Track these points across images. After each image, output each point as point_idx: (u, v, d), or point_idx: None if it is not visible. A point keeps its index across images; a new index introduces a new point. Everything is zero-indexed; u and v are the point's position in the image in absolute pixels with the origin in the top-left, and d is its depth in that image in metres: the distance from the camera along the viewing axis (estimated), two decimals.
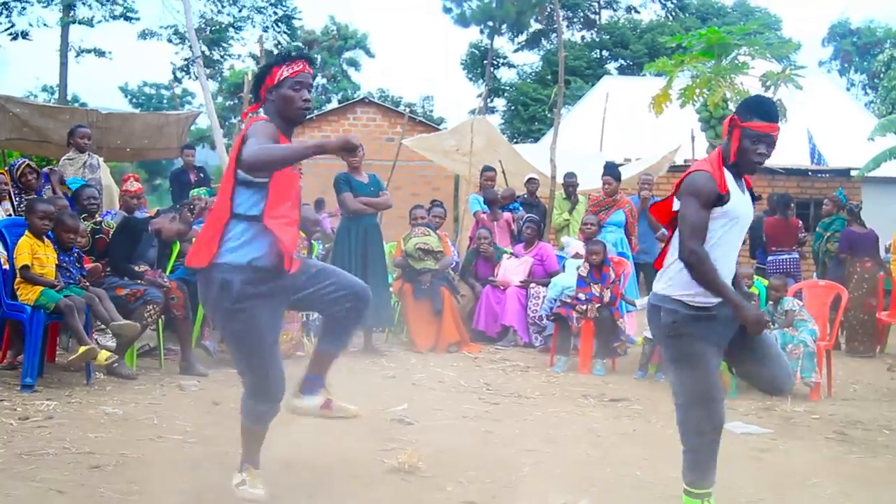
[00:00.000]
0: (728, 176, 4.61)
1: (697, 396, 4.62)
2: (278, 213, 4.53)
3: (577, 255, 11.36)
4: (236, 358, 4.81)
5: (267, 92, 4.66)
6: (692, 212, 4.53)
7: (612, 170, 12.57)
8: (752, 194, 4.75)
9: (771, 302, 9.49)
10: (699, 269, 4.48)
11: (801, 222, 14.12)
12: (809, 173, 21.26)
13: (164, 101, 48.23)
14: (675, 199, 4.69)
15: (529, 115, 42.46)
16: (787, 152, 22.22)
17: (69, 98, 38.91)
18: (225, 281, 4.48)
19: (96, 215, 9.13)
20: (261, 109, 4.70)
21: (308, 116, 4.72)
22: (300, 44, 48.21)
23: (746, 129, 4.55)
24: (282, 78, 4.63)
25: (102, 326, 8.18)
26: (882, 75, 38.34)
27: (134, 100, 49.69)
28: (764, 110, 4.60)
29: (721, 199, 4.53)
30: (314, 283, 4.75)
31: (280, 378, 4.72)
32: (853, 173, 21.26)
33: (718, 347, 4.67)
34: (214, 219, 4.57)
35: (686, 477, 4.73)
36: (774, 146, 4.60)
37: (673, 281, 4.66)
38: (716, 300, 4.55)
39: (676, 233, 4.64)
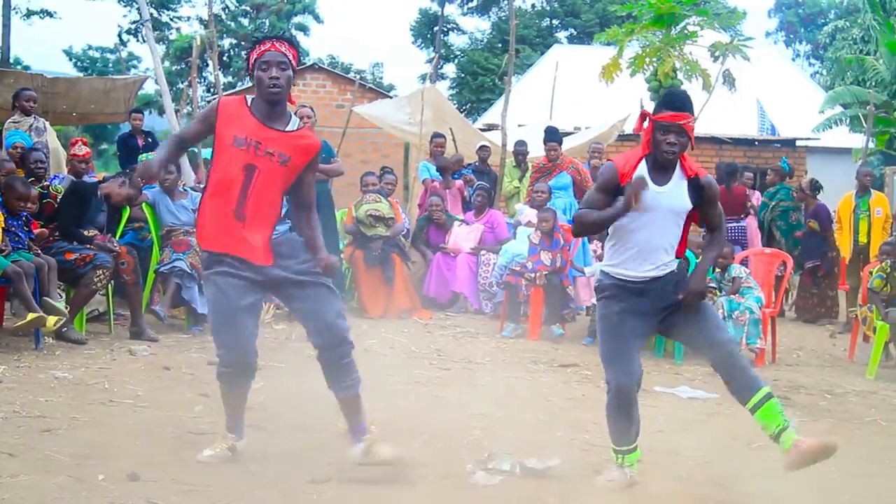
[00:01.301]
0: (641, 169, 4.91)
1: (604, 357, 5.08)
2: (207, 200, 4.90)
3: (529, 223, 11.42)
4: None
5: (251, 74, 4.82)
6: (589, 192, 5.19)
7: (554, 135, 12.62)
8: (697, 184, 4.92)
9: (718, 269, 9.62)
10: (580, 225, 5.08)
11: (747, 190, 14.29)
12: (756, 143, 21.48)
13: (110, 65, 47.44)
14: None
15: (478, 85, 42.34)
16: (735, 122, 22.53)
17: (11, 61, 38.12)
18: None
19: (43, 179, 9.02)
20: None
21: (277, 95, 4.74)
22: (248, 8, 47.73)
23: (657, 122, 4.84)
24: (252, 61, 4.78)
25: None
26: (828, 46, 38.71)
27: (79, 63, 48.81)
28: (671, 101, 4.88)
29: (619, 189, 4.89)
30: (298, 299, 4.95)
31: (236, 346, 4.82)
32: (797, 143, 21.53)
33: (641, 318, 4.99)
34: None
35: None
36: (686, 136, 4.83)
37: (606, 254, 5.11)
38: (639, 275, 4.93)
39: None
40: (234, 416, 5.06)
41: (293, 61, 4.83)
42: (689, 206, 4.92)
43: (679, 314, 5.00)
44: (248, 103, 4.82)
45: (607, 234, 5.08)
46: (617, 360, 4.99)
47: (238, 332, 4.80)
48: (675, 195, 4.90)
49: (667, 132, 4.79)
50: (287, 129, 4.81)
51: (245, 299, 4.80)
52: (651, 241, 4.91)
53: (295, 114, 5.04)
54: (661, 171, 4.89)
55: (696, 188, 4.91)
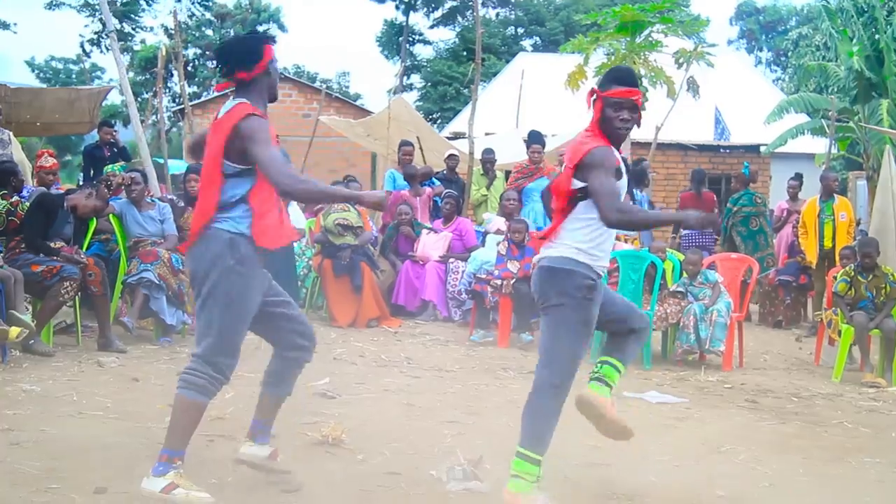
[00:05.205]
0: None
1: (571, 359, 4.74)
2: (264, 196, 4.57)
3: (498, 231, 11.47)
4: (211, 319, 4.59)
5: (259, 72, 4.62)
6: (607, 181, 4.56)
7: (537, 138, 12.67)
8: (625, 163, 4.80)
9: (686, 275, 9.69)
10: (633, 221, 5.05)
11: (715, 197, 14.44)
12: (721, 150, 21.66)
13: (73, 76, 47.12)
14: (574, 176, 4.68)
15: (440, 94, 42.37)
16: (700, 129, 22.70)
17: None
18: (233, 239, 4.51)
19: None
20: (247, 93, 4.64)
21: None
22: (213, 18, 47.59)
23: (607, 98, 4.67)
24: (270, 59, 4.66)
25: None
26: (790, 53, 39.07)
27: (41, 74, 48.46)
28: (621, 76, 4.75)
29: (618, 172, 4.67)
30: (279, 304, 4.81)
31: (238, 353, 4.69)
32: (762, 149, 21.72)
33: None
34: (203, 209, 4.59)
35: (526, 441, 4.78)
36: (638, 112, 4.71)
37: (581, 247, 4.69)
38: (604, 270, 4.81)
39: (580, 205, 4.69)
40: (184, 435, 4.70)
41: None
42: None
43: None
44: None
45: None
46: (576, 366, 4.80)
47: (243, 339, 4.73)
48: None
49: (620, 108, 4.65)
50: None
51: (256, 306, 4.71)
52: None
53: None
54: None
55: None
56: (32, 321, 7.80)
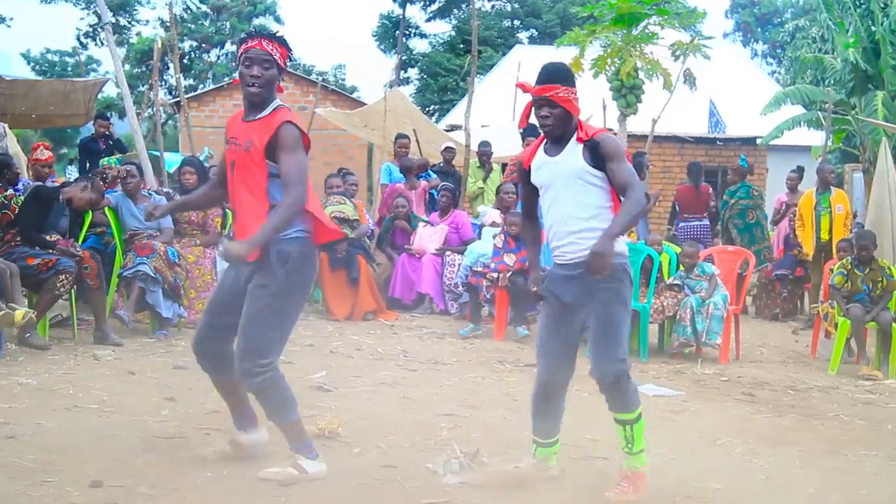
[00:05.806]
0: (540, 149, 4.96)
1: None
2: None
3: (493, 224, 11.45)
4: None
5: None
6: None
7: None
8: (591, 144, 4.79)
9: (683, 268, 9.69)
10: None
11: (711, 189, 14.44)
12: (718, 142, 21.64)
13: (69, 69, 46.98)
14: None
15: (440, 86, 42.31)
16: (696, 121, 22.69)
17: None
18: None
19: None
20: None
21: (254, 92, 4.68)
22: (208, 10, 47.46)
23: (533, 97, 4.88)
24: (238, 57, 4.73)
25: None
26: (787, 45, 39.04)
27: (37, 67, 48.29)
28: (539, 75, 4.88)
29: (527, 174, 5.02)
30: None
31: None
32: (758, 141, 21.73)
33: (571, 310, 4.94)
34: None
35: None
36: (559, 107, 4.77)
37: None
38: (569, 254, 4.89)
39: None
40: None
41: (281, 60, 4.73)
42: (586, 165, 4.75)
43: (591, 314, 4.83)
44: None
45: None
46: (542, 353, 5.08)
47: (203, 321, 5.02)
48: (567, 161, 4.82)
49: (539, 106, 4.81)
50: (259, 116, 4.72)
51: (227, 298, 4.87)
52: (562, 211, 4.85)
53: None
54: (556, 144, 4.88)
55: (592, 148, 4.77)
56: (33, 312, 7.77)
